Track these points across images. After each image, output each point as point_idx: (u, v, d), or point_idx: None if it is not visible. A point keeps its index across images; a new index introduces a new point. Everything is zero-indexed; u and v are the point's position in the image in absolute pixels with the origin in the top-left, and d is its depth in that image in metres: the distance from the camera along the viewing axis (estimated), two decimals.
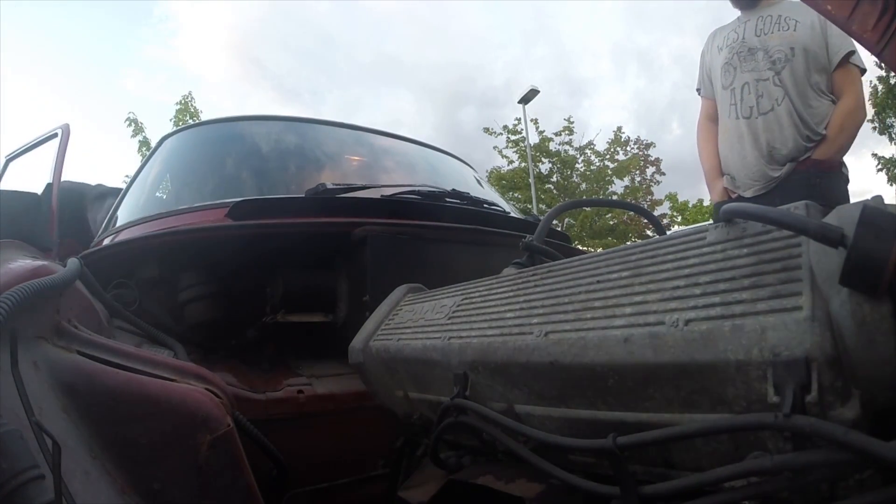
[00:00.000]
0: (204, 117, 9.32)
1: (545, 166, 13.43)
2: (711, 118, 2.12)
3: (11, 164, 1.94)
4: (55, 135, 1.57)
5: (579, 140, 13.29)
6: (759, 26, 1.92)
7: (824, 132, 1.79)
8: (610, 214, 12.68)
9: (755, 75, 1.87)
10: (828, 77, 1.83)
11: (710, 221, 0.56)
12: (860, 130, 1.82)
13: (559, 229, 5.65)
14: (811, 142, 1.80)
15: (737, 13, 2.03)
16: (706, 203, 12.80)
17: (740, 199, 1.91)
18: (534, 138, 13.10)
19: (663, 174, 13.94)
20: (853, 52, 1.80)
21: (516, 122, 13.26)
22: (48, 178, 1.47)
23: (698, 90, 2.20)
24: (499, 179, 12.67)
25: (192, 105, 9.86)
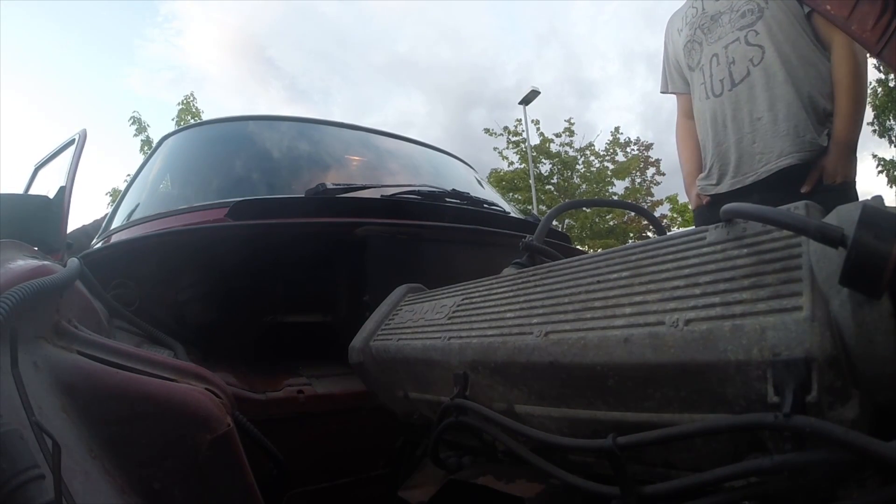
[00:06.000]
0: (208, 117, 9.35)
1: (545, 167, 13.44)
2: (690, 114, 1.76)
3: (40, 172, 1.98)
4: (73, 140, 1.59)
5: (580, 141, 13.31)
6: None
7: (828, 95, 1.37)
8: (610, 215, 12.68)
9: (724, 42, 1.51)
10: (811, 25, 1.43)
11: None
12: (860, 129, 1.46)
13: (559, 229, 5.64)
14: (816, 109, 1.38)
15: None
16: None
17: (721, 197, 1.56)
18: (535, 139, 13.10)
19: (663, 174, 13.96)
20: None
21: (517, 122, 13.28)
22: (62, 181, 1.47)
23: (665, 90, 1.88)
24: (499, 181, 12.65)
25: (193, 105, 9.88)
